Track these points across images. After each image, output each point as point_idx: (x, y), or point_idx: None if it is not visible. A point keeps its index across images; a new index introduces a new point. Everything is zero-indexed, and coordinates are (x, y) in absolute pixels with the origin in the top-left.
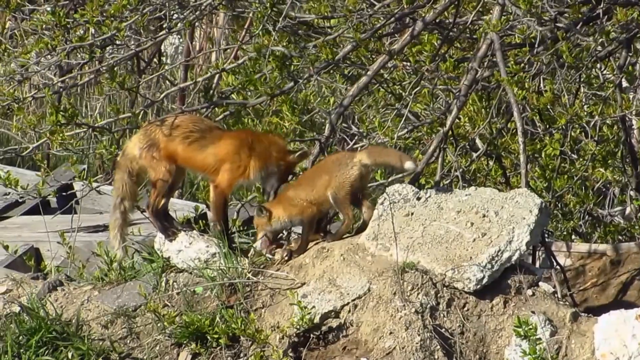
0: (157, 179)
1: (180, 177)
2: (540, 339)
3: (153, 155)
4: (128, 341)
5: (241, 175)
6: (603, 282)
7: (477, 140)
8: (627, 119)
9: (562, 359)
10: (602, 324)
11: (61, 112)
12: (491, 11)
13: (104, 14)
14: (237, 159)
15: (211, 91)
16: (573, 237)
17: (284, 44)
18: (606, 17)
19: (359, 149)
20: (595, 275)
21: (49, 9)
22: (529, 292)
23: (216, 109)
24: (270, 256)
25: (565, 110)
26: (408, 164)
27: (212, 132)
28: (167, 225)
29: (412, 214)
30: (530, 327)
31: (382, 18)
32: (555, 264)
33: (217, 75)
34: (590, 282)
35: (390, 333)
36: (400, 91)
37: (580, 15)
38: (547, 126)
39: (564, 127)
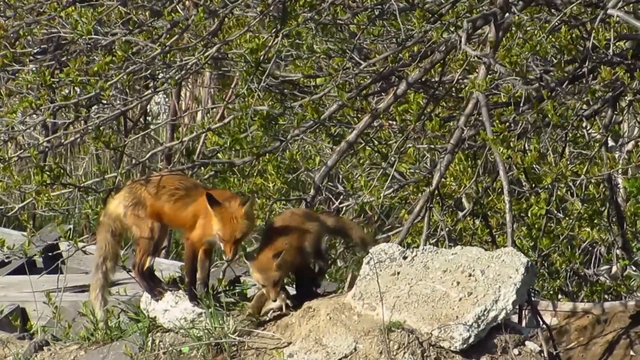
0: (141, 238)
1: (164, 236)
2: None
3: (138, 213)
4: None
5: (211, 233)
6: (589, 341)
7: (463, 200)
8: (613, 177)
9: None
10: None
11: (46, 172)
12: (477, 70)
13: (88, 73)
14: (209, 216)
15: (195, 153)
16: (559, 296)
17: (270, 103)
18: (591, 75)
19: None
20: (582, 334)
21: (34, 68)
22: (515, 351)
23: (202, 168)
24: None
25: (551, 169)
26: None
27: (196, 190)
28: (153, 284)
29: (399, 273)
30: None
31: (367, 77)
32: (541, 323)
33: (203, 135)
34: (576, 341)
35: None
36: (386, 150)
37: (565, 74)
38: (533, 185)
39: (550, 186)
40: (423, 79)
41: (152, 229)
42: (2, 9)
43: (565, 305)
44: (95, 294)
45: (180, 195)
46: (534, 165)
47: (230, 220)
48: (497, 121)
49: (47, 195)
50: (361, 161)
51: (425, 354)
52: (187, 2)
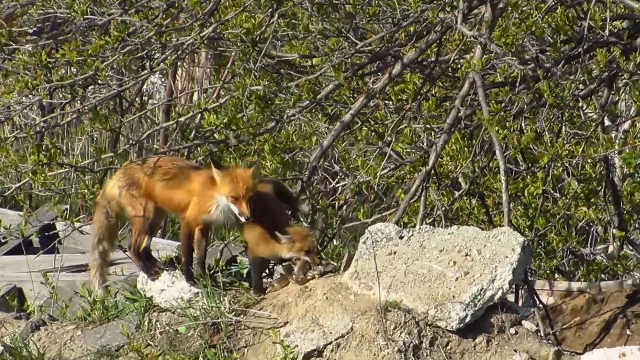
0: (136, 217)
1: (161, 217)
2: None
3: (132, 193)
4: None
5: (207, 211)
6: (586, 321)
7: (460, 179)
8: (609, 157)
9: None
10: None
11: (43, 152)
12: (473, 50)
13: (82, 54)
14: (203, 195)
15: (193, 131)
16: (556, 275)
17: (266, 82)
18: (587, 55)
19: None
20: (578, 314)
21: (30, 48)
22: (512, 330)
23: (198, 148)
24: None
25: (547, 149)
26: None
27: (189, 171)
28: (150, 264)
29: (395, 252)
30: None
31: (363, 57)
32: (538, 302)
33: (199, 115)
34: (572, 320)
35: None
36: (383, 130)
37: (561, 54)
38: (530, 165)
39: (546, 165)
40: (419, 59)
41: (147, 209)
42: None
43: (562, 285)
44: (93, 272)
45: (173, 176)
46: (531, 145)
47: (239, 178)
48: (493, 101)
49: (43, 175)
50: (358, 139)
51: (421, 334)
52: None
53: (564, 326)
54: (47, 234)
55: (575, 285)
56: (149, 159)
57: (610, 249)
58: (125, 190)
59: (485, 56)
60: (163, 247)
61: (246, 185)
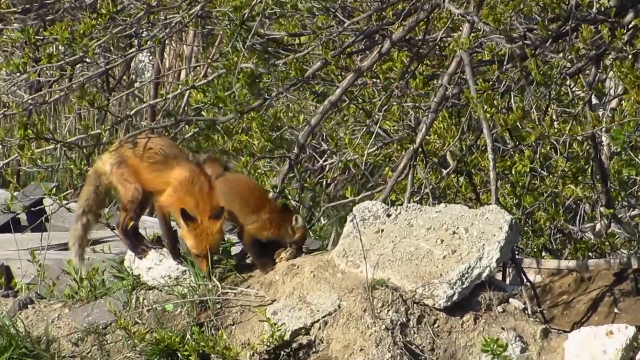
0: (126, 197)
1: (151, 196)
2: (509, 356)
3: (122, 172)
4: (98, 358)
5: (175, 210)
6: (573, 299)
7: (448, 157)
8: (596, 135)
9: None
10: (572, 341)
11: (30, 127)
12: (460, 28)
13: (73, 34)
14: (177, 195)
15: (180, 109)
16: (543, 253)
17: (254, 61)
18: (575, 33)
19: None
20: (566, 292)
21: (18, 27)
22: (499, 308)
23: (186, 126)
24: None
25: (535, 127)
26: None
27: (175, 160)
28: (137, 242)
29: (382, 230)
30: (499, 345)
31: (351, 35)
32: (525, 280)
33: (186, 93)
34: (560, 298)
35: (361, 350)
36: (370, 108)
37: (549, 32)
38: (517, 143)
39: (533, 144)
40: (407, 37)
41: (137, 189)
42: None
43: (549, 263)
44: (72, 242)
45: (157, 161)
46: (518, 124)
47: (203, 236)
48: (481, 79)
49: (30, 150)
50: (345, 118)
51: (409, 312)
52: None
53: (552, 304)
54: (34, 209)
55: (563, 263)
56: (140, 140)
57: (598, 227)
58: (116, 168)
59: (472, 34)
60: (151, 225)
61: (210, 244)
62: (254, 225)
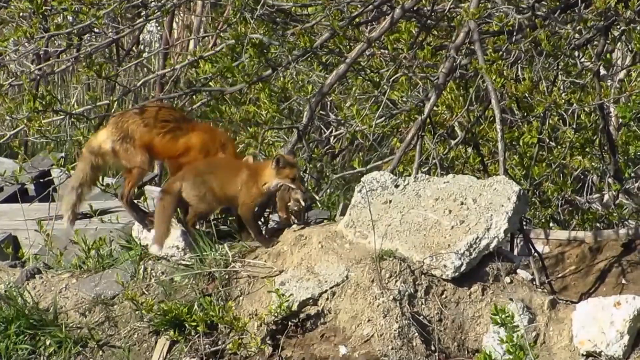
0: (133, 170)
1: (151, 167)
2: (517, 326)
3: (127, 147)
4: (106, 329)
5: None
6: (581, 270)
7: (455, 128)
8: (605, 106)
9: (540, 346)
10: (580, 311)
11: (38, 99)
12: None
13: (82, 2)
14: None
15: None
16: (551, 224)
17: (262, 31)
18: (584, 4)
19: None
20: (574, 263)
21: None
22: (507, 279)
23: (194, 97)
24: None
25: (543, 98)
26: None
27: (186, 123)
28: (144, 214)
29: (390, 201)
30: (507, 315)
31: (359, 6)
32: (533, 251)
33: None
34: (568, 269)
35: (369, 320)
36: (378, 79)
37: (558, 3)
38: (525, 114)
39: (542, 114)
40: (415, 8)
41: (143, 161)
42: None
43: (557, 234)
44: (65, 207)
45: (171, 128)
46: (526, 95)
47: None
48: (490, 50)
49: (38, 122)
50: (353, 88)
51: (417, 282)
52: None
53: (560, 275)
54: (42, 180)
55: (571, 234)
56: (138, 110)
57: (606, 197)
58: (120, 144)
59: (481, 4)
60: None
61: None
62: (244, 192)
